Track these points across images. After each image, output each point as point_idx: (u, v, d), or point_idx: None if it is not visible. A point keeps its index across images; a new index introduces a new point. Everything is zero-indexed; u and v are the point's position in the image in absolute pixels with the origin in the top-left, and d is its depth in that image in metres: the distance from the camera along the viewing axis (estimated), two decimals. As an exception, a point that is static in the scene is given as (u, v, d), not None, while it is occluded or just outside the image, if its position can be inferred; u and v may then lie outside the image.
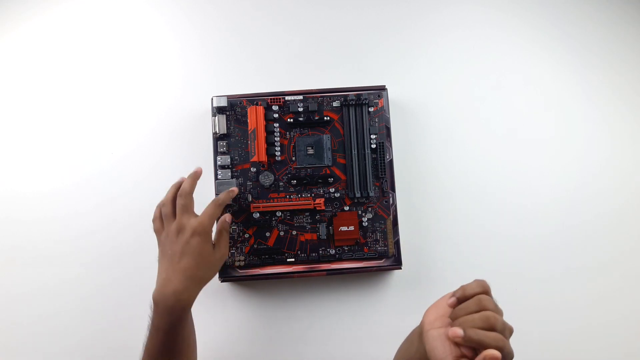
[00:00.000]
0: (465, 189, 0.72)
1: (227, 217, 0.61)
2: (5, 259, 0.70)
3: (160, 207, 0.58)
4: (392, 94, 0.70)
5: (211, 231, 0.57)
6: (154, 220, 0.58)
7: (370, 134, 0.68)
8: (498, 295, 0.68)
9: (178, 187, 0.58)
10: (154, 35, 0.74)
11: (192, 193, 0.58)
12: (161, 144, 0.72)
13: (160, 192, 0.65)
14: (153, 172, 0.71)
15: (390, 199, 0.67)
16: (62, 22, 0.74)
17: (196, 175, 0.59)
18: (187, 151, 0.71)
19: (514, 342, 0.66)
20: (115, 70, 0.73)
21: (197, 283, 0.54)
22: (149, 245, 0.68)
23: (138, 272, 0.69)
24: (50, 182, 0.71)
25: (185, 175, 0.60)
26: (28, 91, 0.73)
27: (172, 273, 0.53)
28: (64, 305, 0.69)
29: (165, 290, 0.52)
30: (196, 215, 0.57)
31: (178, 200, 0.57)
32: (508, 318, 0.67)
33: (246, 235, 0.66)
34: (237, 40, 0.74)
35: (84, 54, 0.74)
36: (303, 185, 0.67)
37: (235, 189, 0.63)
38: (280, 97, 0.68)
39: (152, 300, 0.53)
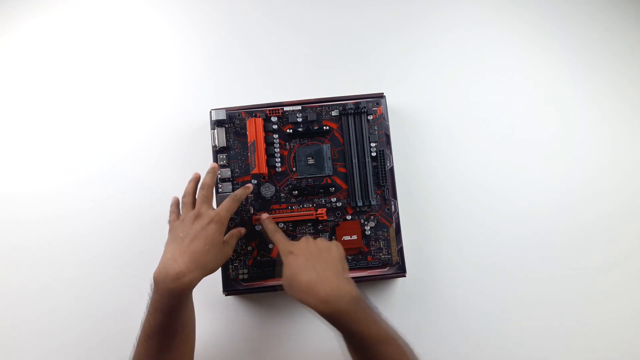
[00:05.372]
0: (467, 192, 0.71)
1: (243, 230, 0.64)
2: (5, 259, 0.70)
3: (179, 199, 0.61)
4: (390, 99, 0.70)
5: (226, 224, 0.58)
6: (170, 213, 0.60)
7: (370, 142, 0.67)
8: (498, 294, 0.69)
9: (195, 181, 0.62)
10: (156, 40, 0.75)
11: (213, 186, 0.61)
12: (160, 149, 0.72)
13: (160, 195, 0.68)
14: (152, 177, 0.72)
15: (392, 206, 0.67)
16: (64, 22, 0.75)
17: (214, 171, 0.62)
18: (187, 161, 0.71)
19: (514, 339, 0.67)
20: (117, 74, 0.74)
21: (201, 269, 0.54)
22: (148, 245, 0.68)
23: (137, 271, 0.69)
24: (50, 182, 0.72)
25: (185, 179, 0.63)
26: (29, 92, 0.74)
27: (179, 254, 0.53)
28: (64, 305, 0.69)
29: (168, 270, 0.51)
30: (214, 208, 0.59)
31: (200, 192, 0.59)
32: (508, 317, 0.68)
33: (249, 248, 0.66)
34: (235, 48, 0.75)
35: (85, 57, 0.75)
36: (304, 196, 0.67)
37: (250, 186, 0.64)
38: (279, 108, 0.68)
39: (152, 280, 0.52)
